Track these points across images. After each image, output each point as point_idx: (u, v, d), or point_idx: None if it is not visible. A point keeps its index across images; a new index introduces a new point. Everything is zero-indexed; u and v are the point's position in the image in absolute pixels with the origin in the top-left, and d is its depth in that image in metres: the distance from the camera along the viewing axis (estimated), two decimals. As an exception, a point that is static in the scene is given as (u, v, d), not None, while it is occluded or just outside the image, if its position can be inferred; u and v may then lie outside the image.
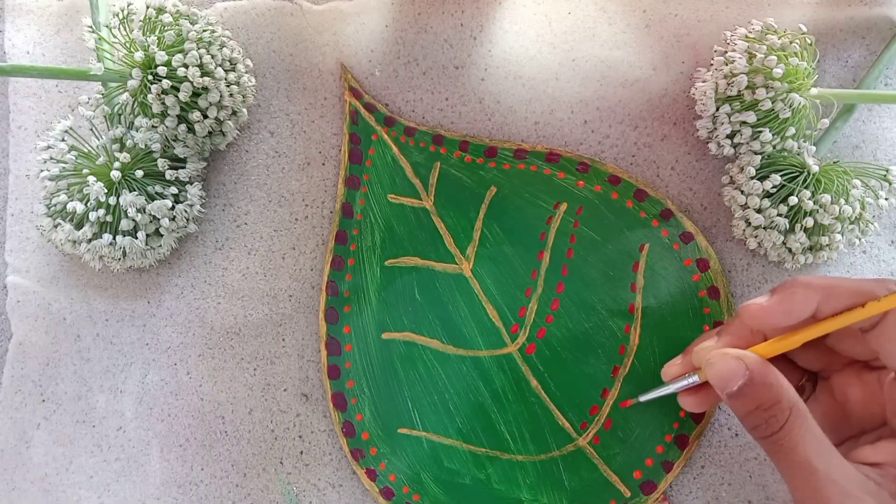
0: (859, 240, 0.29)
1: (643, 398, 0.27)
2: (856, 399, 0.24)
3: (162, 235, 0.30)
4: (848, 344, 0.24)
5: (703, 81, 0.29)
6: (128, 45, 0.29)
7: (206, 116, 0.29)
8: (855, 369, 0.25)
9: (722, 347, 0.24)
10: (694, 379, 0.25)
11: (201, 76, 0.28)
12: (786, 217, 0.28)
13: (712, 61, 0.29)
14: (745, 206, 0.29)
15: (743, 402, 0.22)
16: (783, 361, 0.26)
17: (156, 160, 0.29)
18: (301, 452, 0.31)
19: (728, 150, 0.29)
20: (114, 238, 0.29)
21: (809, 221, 0.27)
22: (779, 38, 0.27)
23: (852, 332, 0.24)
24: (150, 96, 0.28)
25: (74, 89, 0.34)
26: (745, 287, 0.30)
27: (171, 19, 0.29)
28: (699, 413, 0.29)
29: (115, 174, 0.28)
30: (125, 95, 0.29)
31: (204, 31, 0.29)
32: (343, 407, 0.30)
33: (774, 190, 0.28)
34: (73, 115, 0.33)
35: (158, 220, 0.29)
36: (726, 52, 0.29)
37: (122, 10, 0.29)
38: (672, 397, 0.27)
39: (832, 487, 0.21)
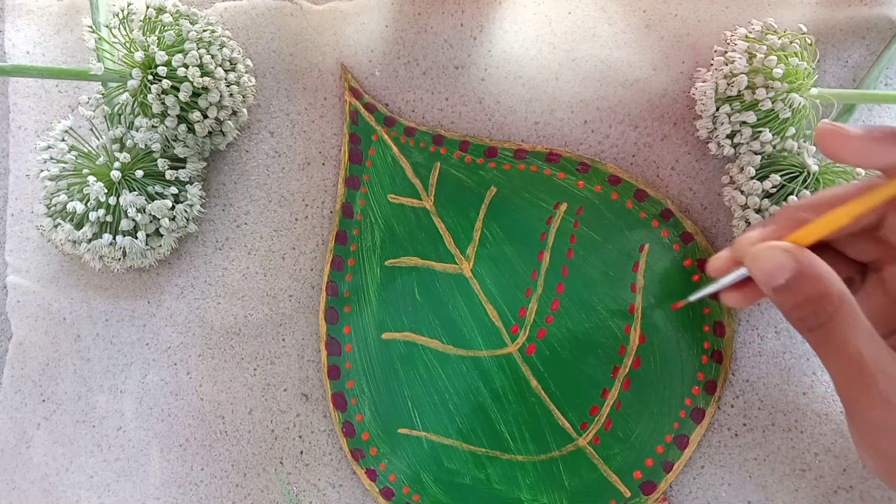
0: (859, 240, 0.29)
1: (693, 297, 0.26)
2: None
3: (162, 235, 0.30)
4: None
5: (703, 81, 0.29)
6: (128, 45, 0.29)
7: (206, 116, 0.29)
8: None
9: (768, 238, 0.23)
10: (742, 272, 0.24)
11: (201, 76, 0.28)
12: (786, 217, 0.28)
13: (712, 61, 0.29)
14: (745, 207, 0.29)
15: (789, 295, 0.21)
16: (831, 254, 0.25)
17: (156, 160, 0.29)
18: (301, 452, 0.31)
19: (728, 150, 0.29)
20: (114, 238, 0.29)
21: (809, 221, 0.27)
22: (779, 38, 0.27)
23: None
24: (150, 96, 0.28)
25: (74, 89, 0.34)
26: (745, 287, 0.30)
27: (171, 19, 0.29)
28: (700, 412, 0.29)
29: (115, 174, 0.28)
30: (125, 95, 0.29)
31: (204, 31, 0.29)
32: (343, 407, 0.30)
33: (774, 190, 0.28)
34: (73, 115, 0.33)
35: (158, 220, 0.29)
36: (726, 52, 0.29)
37: (122, 10, 0.29)
38: (663, 409, 0.28)
39: (882, 376, 0.20)
